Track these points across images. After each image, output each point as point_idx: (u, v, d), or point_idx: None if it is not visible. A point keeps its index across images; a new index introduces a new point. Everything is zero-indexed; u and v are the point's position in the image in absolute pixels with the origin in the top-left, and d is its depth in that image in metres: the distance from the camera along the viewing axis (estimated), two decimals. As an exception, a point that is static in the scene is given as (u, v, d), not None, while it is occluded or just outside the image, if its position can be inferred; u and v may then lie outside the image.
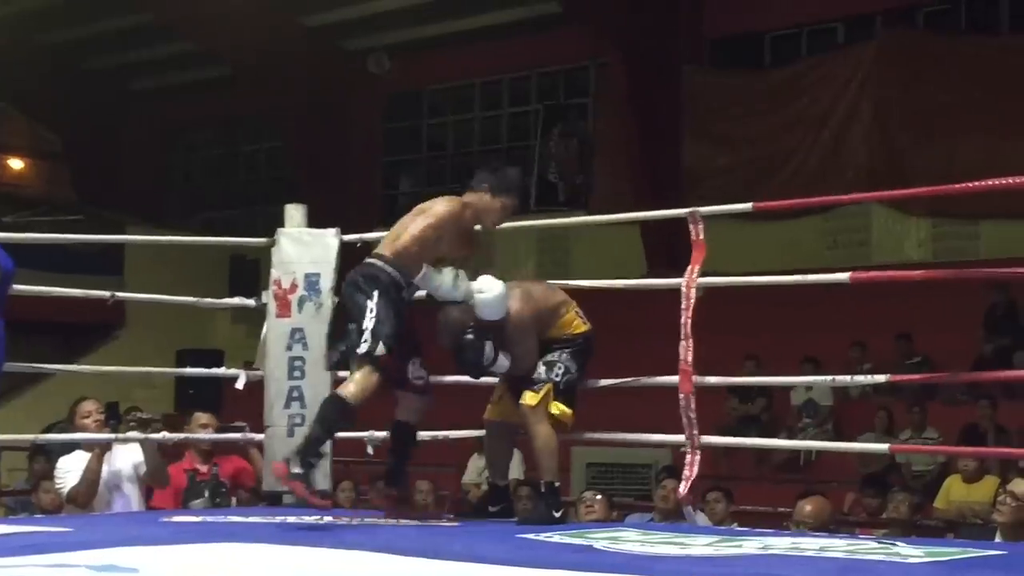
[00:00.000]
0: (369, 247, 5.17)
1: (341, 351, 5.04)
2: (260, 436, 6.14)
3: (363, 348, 4.73)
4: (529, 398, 4.95)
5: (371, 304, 4.80)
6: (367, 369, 4.74)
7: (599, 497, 7.27)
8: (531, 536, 4.40)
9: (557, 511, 4.99)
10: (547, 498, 4.99)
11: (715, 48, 16.51)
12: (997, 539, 5.84)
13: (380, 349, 4.73)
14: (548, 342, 5.05)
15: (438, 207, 5.04)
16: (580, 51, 16.82)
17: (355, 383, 4.74)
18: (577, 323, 5.13)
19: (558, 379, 4.98)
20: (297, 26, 18.26)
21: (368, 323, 4.76)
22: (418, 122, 19.26)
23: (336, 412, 4.73)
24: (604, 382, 5.42)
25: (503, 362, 4.95)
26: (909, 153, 14.33)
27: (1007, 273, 9.81)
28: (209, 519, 5.18)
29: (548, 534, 4.41)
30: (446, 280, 4.93)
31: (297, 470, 4.60)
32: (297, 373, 5.86)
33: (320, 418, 4.74)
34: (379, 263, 4.93)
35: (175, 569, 3.51)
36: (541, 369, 4.98)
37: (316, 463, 4.74)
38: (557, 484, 5.03)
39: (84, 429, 6.18)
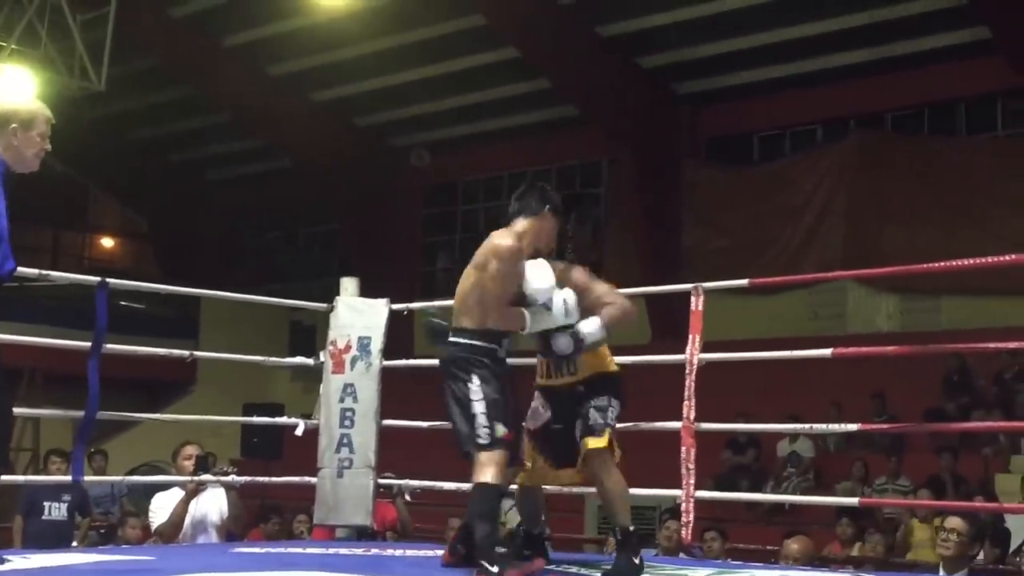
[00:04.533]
0: (413, 315, 5.08)
1: (460, 445, 4.18)
2: (243, 479, 6.21)
3: (484, 439, 4.07)
4: (593, 442, 4.23)
5: (472, 387, 4.14)
6: (498, 452, 4.08)
7: None
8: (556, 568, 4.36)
9: (637, 557, 4.21)
10: (627, 546, 4.21)
11: (711, 146, 16.60)
12: (941, 572, 5.72)
13: (500, 430, 4.09)
14: (593, 374, 4.37)
15: (501, 249, 4.28)
16: (595, 148, 16.94)
17: (493, 467, 4.04)
18: (611, 360, 4.50)
19: (613, 422, 4.30)
20: (350, 126, 18.48)
21: (479, 408, 4.11)
22: (453, 208, 19.38)
23: (492, 502, 4.07)
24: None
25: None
26: (878, 237, 14.33)
27: (963, 347, 9.80)
28: (272, 550, 5.18)
29: (567, 565, 4.37)
30: (559, 312, 4.27)
31: (494, 569, 3.87)
32: (347, 423, 5.87)
33: (480, 515, 4.01)
34: (465, 340, 4.23)
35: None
36: (596, 415, 4.26)
37: (502, 554, 3.98)
38: (632, 529, 4.23)
39: (182, 469, 6.20)
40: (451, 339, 4.25)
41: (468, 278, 4.33)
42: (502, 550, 4.04)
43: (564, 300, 4.26)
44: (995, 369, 12.30)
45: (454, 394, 4.18)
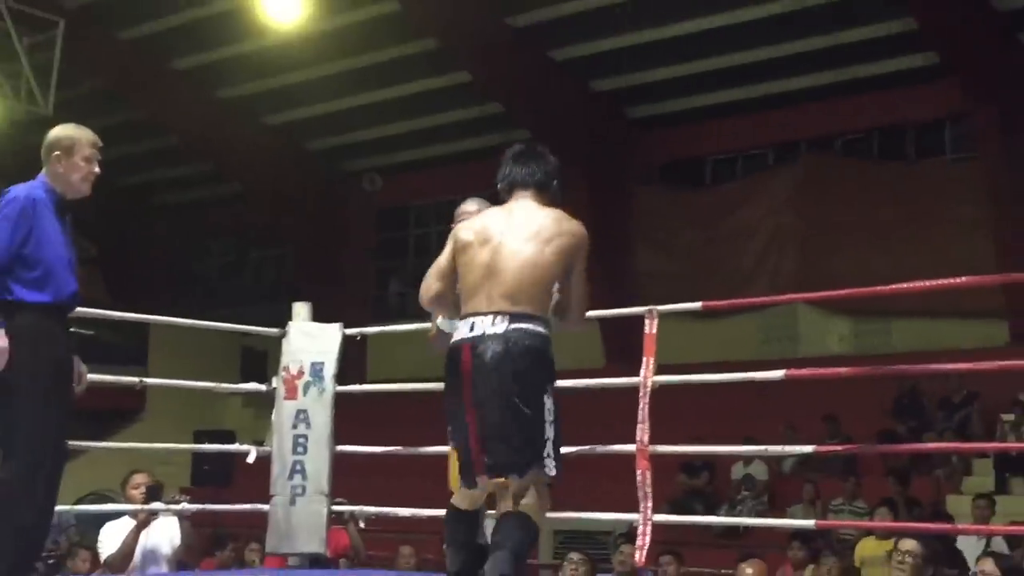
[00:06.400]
0: (366, 340, 5.03)
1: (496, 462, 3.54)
2: (194, 507, 6.17)
3: (553, 470, 3.53)
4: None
5: (548, 404, 3.54)
6: (546, 491, 3.55)
7: (582, 558, 6.91)
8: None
9: None
10: None
11: (663, 170, 16.71)
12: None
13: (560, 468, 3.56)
14: None
15: (586, 242, 3.82)
16: (546, 172, 16.95)
17: (540, 507, 3.54)
18: None
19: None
20: (301, 150, 18.43)
21: (550, 432, 3.54)
22: (405, 233, 19.36)
23: (531, 539, 3.54)
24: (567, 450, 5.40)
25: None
26: (829, 260, 14.47)
27: (915, 368, 9.91)
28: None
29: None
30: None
31: None
32: (300, 449, 5.87)
33: (516, 548, 3.42)
34: (540, 328, 3.61)
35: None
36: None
37: None
38: None
39: (132, 499, 6.13)
40: (527, 326, 3.63)
41: (532, 254, 3.84)
42: None
43: None
44: (943, 392, 12.43)
45: (515, 397, 3.50)
